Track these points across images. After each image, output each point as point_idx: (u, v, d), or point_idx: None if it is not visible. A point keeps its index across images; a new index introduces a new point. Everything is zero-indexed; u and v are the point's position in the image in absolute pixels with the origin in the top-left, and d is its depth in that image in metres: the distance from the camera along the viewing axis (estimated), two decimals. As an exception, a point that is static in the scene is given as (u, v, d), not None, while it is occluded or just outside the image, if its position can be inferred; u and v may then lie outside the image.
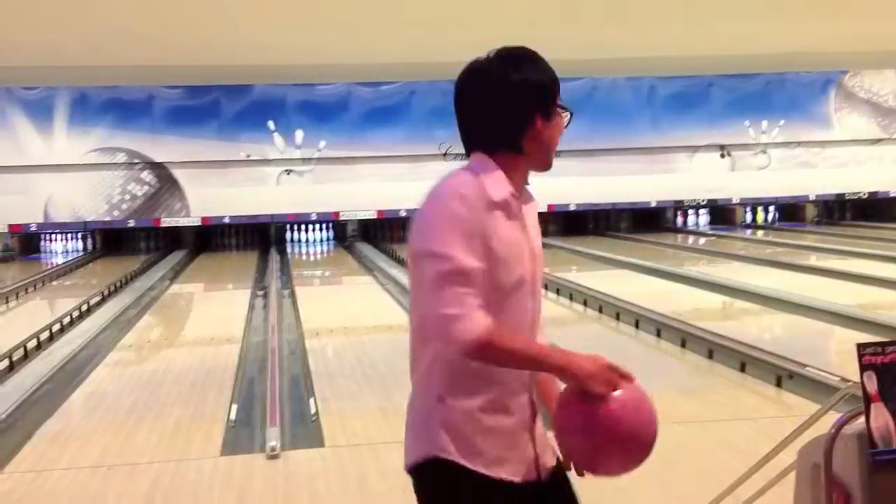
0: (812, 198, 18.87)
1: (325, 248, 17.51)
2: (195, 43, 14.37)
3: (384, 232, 18.09)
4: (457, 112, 2.05)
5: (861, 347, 2.19)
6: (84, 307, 10.20)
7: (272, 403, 5.69)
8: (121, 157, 16.89)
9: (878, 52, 17.61)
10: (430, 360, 1.99)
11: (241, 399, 6.10)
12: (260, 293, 11.46)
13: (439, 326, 1.89)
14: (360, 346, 8.00)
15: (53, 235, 17.54)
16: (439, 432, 1.96)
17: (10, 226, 16.83)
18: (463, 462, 1.95)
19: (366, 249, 16.22)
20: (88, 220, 16.99)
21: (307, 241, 17.79)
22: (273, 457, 4.73)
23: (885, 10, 14.14)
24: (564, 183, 17.59)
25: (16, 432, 5.47)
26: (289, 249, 17.17)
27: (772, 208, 19.32)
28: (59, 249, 17.49)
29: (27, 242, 17.43)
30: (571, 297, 10.07)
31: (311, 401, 5.91)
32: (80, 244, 17.61)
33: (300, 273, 13.98)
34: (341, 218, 17.52)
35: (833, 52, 17.44)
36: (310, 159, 17.28)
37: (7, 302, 11.38)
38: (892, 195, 18.68)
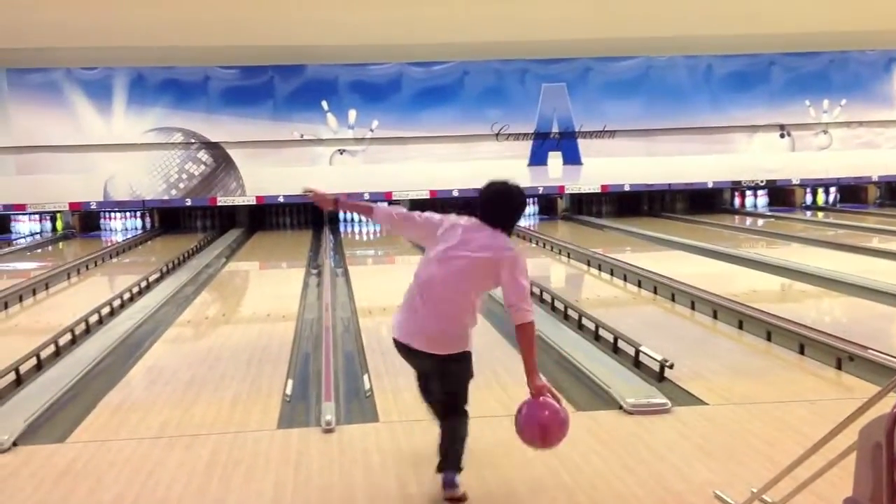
0: (874, 179, 18.46)
1: (377, 228, 17.58)
2: (249, 23, 14.47)
3: (436, 212, 18.07)
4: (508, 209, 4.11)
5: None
6: (143, 283, 10.38)
7: (327, 379, 5.75)
8: (177, 137, 17.11)
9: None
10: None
11: (297, 375, 6.17)
12: (314, 271, 11.57)
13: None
14: (413, 324, 8.01)
15: (112, 214, 17.86)
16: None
17: (71, 204, 17.18)
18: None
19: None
20: (147, 198, 17.26)
21: (360, 220, 17.87)
22: (328, 430, 4.79)
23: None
24: (619, 163, 17.46)
25: (78, 404, 5.60)
26: (342, 229, 17.27)
27: (833, 190, 18.93)
28: (119, 227, 17.81)
29: (87, 220, 17.79)
30: (625, 278, 10.00)
31: (365, 377, 5.96)
32: (138, 222, 17.92)
33: (353, 252, 14.07)
34: (394, 198, 17.56)
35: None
36: (362, 139, 17.33)
37: (69, 278, 11.64)
38: (956, 176, 18.22)
